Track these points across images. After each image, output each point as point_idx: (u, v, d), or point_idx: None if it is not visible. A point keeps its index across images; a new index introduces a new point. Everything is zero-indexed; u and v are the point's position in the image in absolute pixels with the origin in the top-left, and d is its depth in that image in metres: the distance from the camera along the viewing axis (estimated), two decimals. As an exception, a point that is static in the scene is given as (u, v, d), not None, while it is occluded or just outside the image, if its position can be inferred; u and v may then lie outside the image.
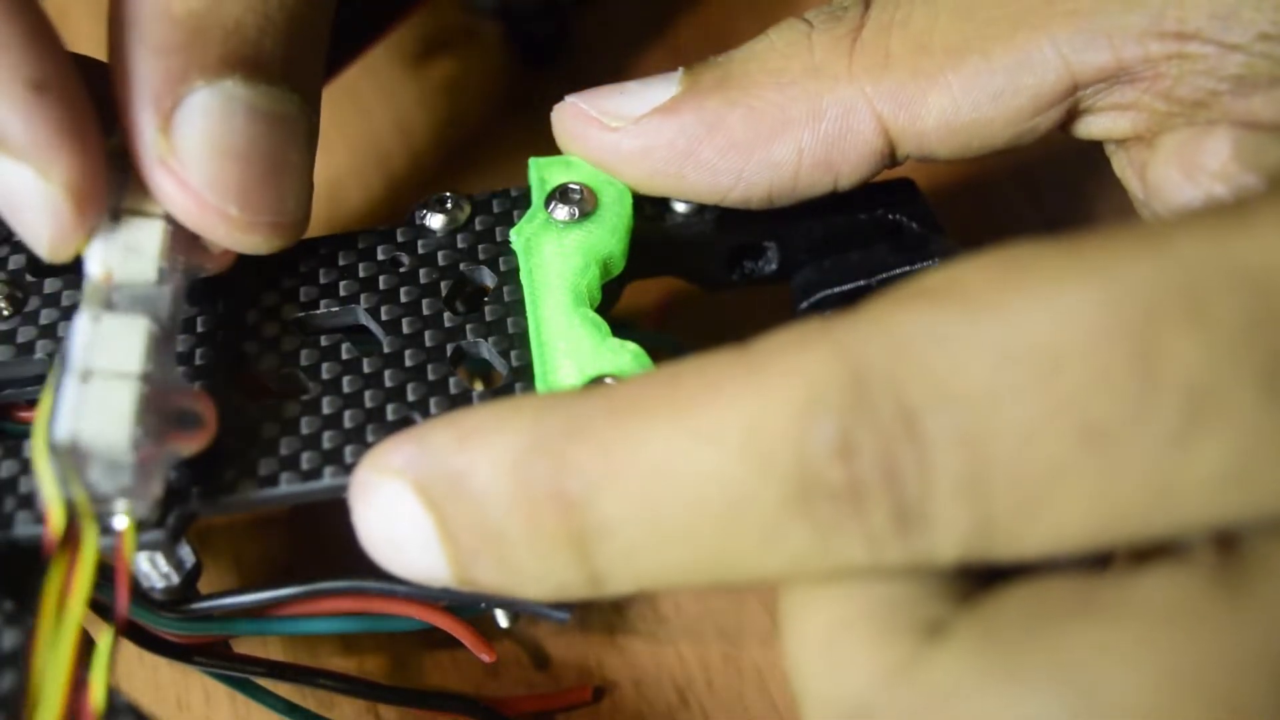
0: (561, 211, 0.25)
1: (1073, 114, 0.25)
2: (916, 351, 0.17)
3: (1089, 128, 0.25)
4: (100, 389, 0.21)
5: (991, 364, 0.16)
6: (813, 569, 0.18)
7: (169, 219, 0.23)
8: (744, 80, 0.24)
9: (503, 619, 0.26)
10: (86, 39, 0.27)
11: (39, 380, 0.24)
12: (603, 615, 0.29)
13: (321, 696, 0.27)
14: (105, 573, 0.23)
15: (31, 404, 0.25)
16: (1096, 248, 0.17)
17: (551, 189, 0.25)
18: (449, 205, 0.26)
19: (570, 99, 0.25)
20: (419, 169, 0.37)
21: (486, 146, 0.37)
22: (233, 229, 0.23)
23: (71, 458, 0.20)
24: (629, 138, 0.25)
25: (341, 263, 0.25)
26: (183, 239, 0.23)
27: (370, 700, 0.27)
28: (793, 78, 0.24)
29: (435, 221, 0.25)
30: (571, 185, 0.25)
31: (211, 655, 0.25)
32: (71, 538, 0.21)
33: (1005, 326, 0.16)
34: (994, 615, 0.17)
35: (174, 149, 0.22)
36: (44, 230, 0.22)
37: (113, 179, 0.22)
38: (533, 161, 0.26)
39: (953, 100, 0.24)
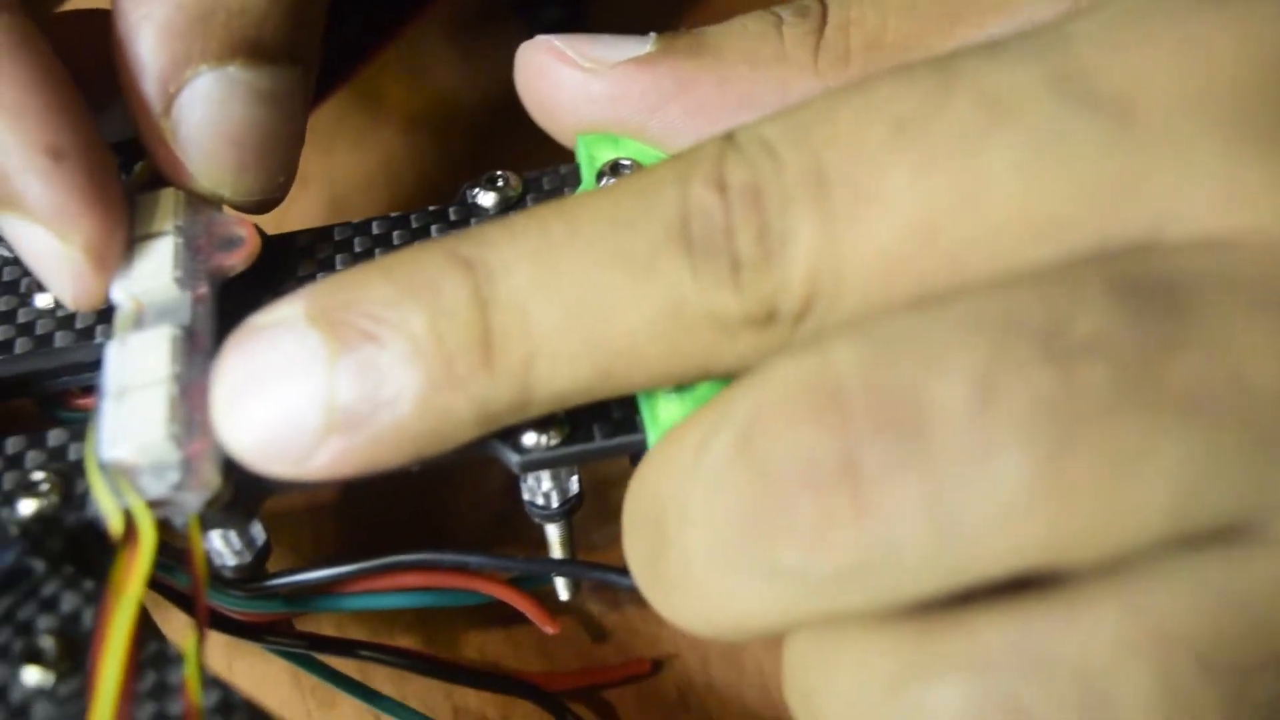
0: (614, 186, 0.25)
1: None
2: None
3: None
4: (134, 402, 0.21)
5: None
6: (690, 317, 0.19)
7: (178, 229, 0.23)
8: (718, 52, 0.25)
9: (563, 591, 0.26)
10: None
11: (96, 366, 0.24)
12: (602, 615, 0.29)
13: (388, 674, 0.27)
14: (180, 557, 0.24)
15: (86, 391, 0.25)
16: None
17: (602, 165, 0.25)
18: (500, 183, 0.26)
19: (542, 37, 0.26)
20: (441, 155, 0.37)
21: (499, 134, 0.38)
22: (223, 201, 0.25)
23: (122, 472, 0.21)
24: (601, 81, 0.25)
25: (396, 243, 0.25)
26: (199, 245, 0.24)
27: (441, 679, 0.27)
28: (763, 61, 0.25)
29: (487, 199, 0.26)
30: (622, 160, 0.25)
31: (282, 634, 0.25)
32: (132, 538, 0.21)
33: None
34: None
35: (175, 133, 0.24)
36: (67, 286, 0.23)
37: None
38: (580, 138, 0.26)
39: None
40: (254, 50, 0.23)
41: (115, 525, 0.21)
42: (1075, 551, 0.16)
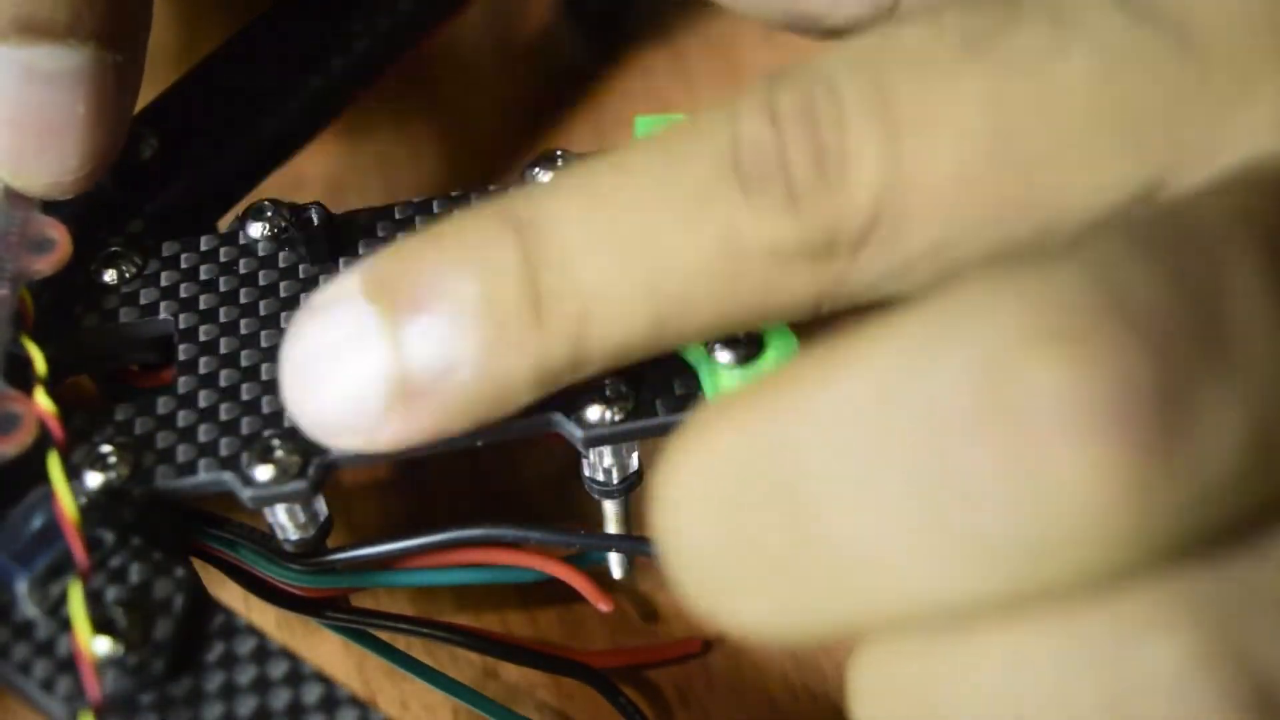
0: (674, 166, 0.25)
1: None
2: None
3: None
4: None
5: None
6: (744, 251, 0.18)
7: None
8: None
9: (617, 569, 0.27)
10: None
11: (154, 345, 0.25)
12: (651, 594, 0.29)
13: (429, 650, 0.28)
14: (243, 531, 0.24)
15: (145, 369, 0.26)
16: None
17: (660, 145, 0.25)
18: (560, 162, 0.26)
19: None
20: (491, 138, 0.37)
21: (548, 120, 0.38)
22: (12, 186, 0.23)
23: None
24: None
25: (458, 221, 0.25)
26: (10, 243, 0.23)
27: (493, 656, 0.27)
28: None
29: (548, 178, 0.26)
30: (681, 141, 0.25)
31: (340, 609, 0.25)
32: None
33: None
34: None
35: None
36: None
37: None
38: (639, 120, 0.26)
39: None
40: (27, 27, 0.22)
41: None
42: None
